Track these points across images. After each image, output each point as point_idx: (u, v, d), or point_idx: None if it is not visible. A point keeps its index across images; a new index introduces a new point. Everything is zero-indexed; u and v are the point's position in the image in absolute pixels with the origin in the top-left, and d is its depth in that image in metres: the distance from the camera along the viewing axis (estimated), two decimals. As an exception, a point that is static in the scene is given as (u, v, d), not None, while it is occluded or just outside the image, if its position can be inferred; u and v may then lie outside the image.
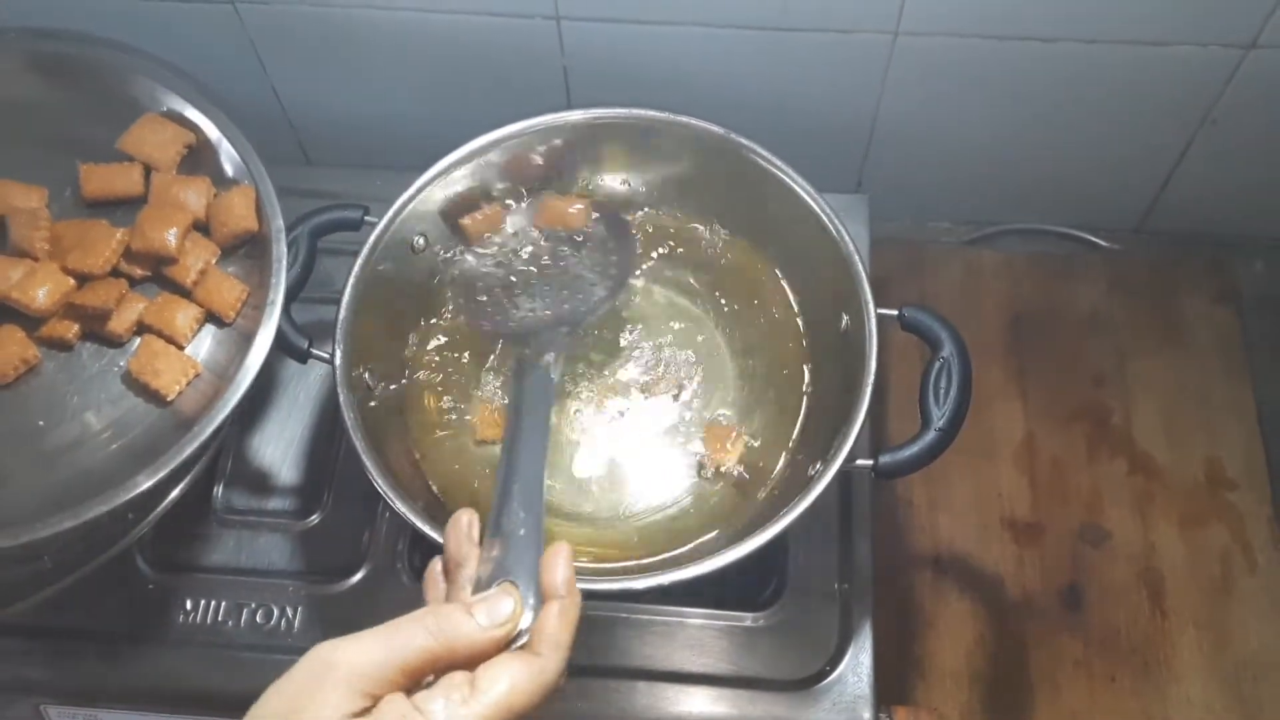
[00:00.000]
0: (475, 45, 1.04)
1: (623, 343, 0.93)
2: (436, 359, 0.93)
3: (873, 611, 0.88)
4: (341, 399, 0.81)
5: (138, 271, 0.85)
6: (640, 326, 0.94)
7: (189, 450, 0.77)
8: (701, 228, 0.97)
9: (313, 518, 0.94)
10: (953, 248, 1.22)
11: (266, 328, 0.82)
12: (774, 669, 0.87)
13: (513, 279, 0.92)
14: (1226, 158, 1.10)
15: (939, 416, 0.78)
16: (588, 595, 0.75)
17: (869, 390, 0.79)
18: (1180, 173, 1.13)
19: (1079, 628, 1.01)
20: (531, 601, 0.59)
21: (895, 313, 0.83)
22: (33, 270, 0.82)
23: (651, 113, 0.91)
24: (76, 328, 0.83)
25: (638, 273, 0.95)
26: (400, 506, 0.77)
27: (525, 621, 0.59)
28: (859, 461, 0.78)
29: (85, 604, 0.89)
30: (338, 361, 0.82)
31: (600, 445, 0.90)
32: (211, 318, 0.85)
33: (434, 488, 0.88)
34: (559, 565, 0.60)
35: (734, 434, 0.89)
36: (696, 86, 1.03)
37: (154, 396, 0.82)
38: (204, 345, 0.84)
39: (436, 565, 0.63)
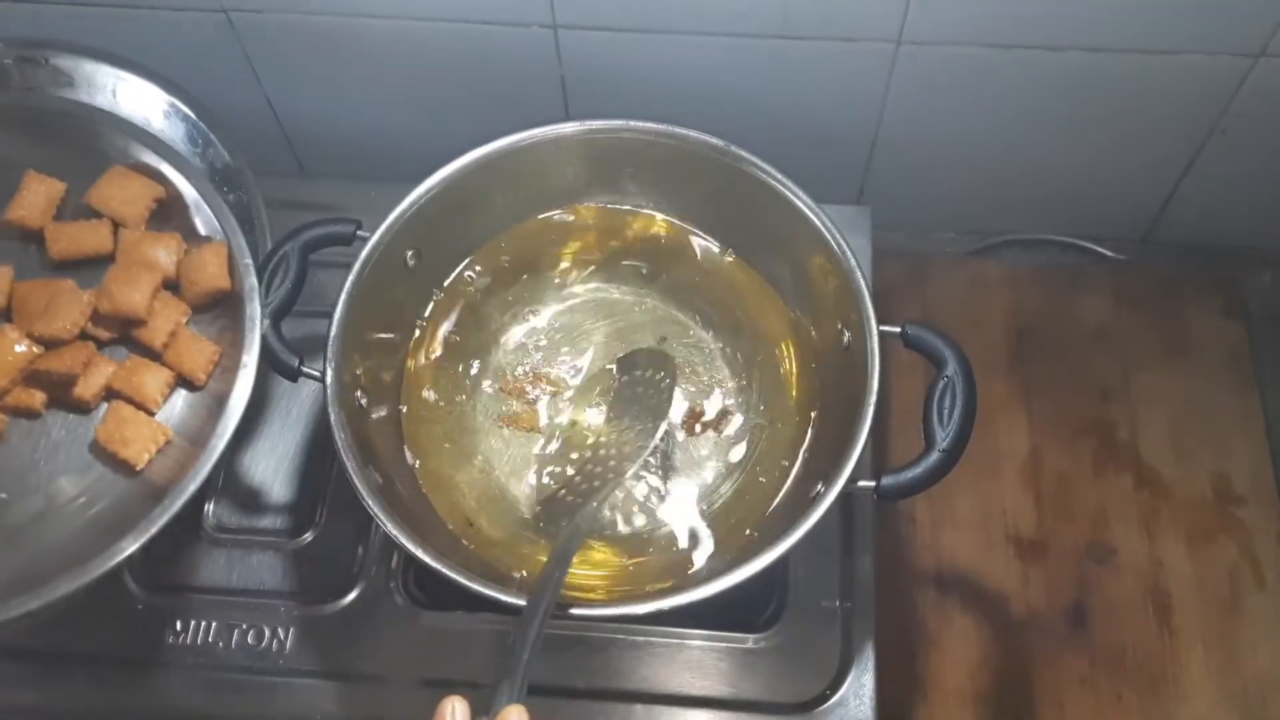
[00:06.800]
0: (471, 55, 1.03)
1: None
2: (432, 375, 0.92)
3: (875, 630, 0.87)
4: (332, 418, 0.80)
5: (105, 334, 0.82)
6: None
7: (160, 523, 0.74)
8: (699, 240, 0.95)
9: (305, 536, 0.93)
10: (956, 259, 1.20)
11: (240, 390, 0.78)
12: (775, 692, 0.86)
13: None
14: (1235, 168, 1.08)
15: (943, 438, 0.77)
16: (590, 620, 0.74)
17: (871, 411, 0.78)
18: (1188, 183, 1.11)
19: (1085, 646, 1.00)
20: None
21: (898, 330, 0.82)
22: None
23: (649, 125, 0.89)
24: (43, 395, 0.80)
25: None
26: (392, 530, 0.76)
27: None
28: (861, 483, 0.76)
29: (74, 625, 0.87)
30: (329, 380, 0.81)
31: None
32: (183, 381, 0.82)
33: (433, 506, 0.86)
34: None
35: None
36: (696, 96, 1.02)
37: (123, 466, 0.78)
38: (175, 410, 0.82)
39: None
